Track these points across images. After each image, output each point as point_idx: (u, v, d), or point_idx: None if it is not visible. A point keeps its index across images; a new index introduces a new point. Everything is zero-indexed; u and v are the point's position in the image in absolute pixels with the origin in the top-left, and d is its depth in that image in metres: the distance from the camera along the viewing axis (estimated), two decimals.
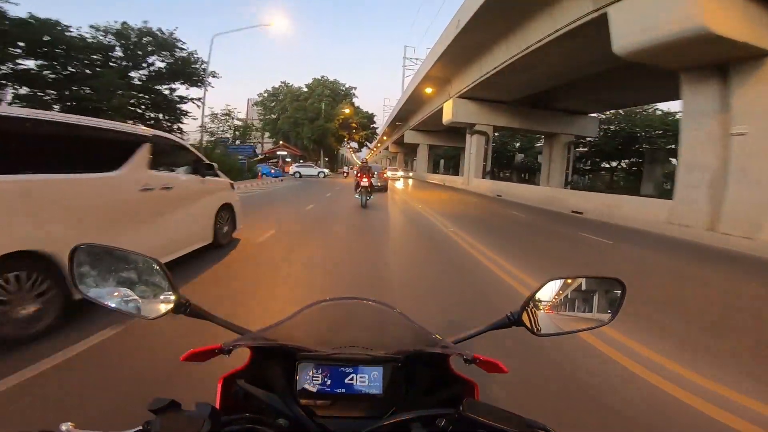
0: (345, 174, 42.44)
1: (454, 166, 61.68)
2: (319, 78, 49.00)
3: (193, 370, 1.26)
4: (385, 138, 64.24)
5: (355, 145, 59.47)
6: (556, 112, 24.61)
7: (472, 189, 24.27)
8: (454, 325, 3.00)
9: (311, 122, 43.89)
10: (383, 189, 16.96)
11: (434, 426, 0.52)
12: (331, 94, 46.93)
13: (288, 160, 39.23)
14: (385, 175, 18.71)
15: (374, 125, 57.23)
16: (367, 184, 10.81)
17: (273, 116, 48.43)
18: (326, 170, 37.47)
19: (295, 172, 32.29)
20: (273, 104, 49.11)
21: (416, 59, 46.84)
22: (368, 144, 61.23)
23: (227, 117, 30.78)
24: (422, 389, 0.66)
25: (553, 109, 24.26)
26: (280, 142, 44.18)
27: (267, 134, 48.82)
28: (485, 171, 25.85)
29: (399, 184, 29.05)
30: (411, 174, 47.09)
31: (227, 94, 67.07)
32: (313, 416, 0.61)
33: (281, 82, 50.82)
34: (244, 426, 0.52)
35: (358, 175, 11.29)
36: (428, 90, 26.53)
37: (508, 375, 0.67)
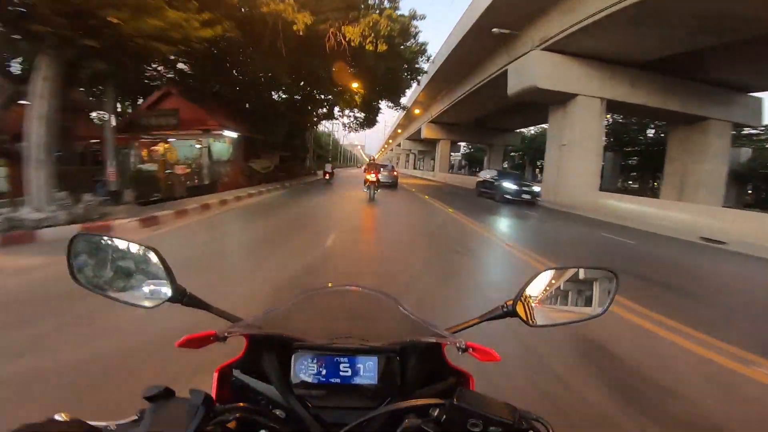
0: (328, 175, 21.98)
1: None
2: None
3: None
4: (417, 111, 35.35)
5: (355, 117, 23.70)
6: None
7: None
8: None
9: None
10: (393, 185, 19.06)
11: (428, 416, 0.52)
12: None
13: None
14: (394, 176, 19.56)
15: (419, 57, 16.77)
16: (374, 179, 12.94)
17: None
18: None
19: None
20: None
21: None
22: (397, 105, 21.42)
23: None
24: (418, 380, 0.65)
25: None
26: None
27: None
28: None
29: None
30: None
31: None
32: (309, 406, 0.61)
33: None
34: (239, 416, 0.52)
35: (366, 171, 13.64)
36: None
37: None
